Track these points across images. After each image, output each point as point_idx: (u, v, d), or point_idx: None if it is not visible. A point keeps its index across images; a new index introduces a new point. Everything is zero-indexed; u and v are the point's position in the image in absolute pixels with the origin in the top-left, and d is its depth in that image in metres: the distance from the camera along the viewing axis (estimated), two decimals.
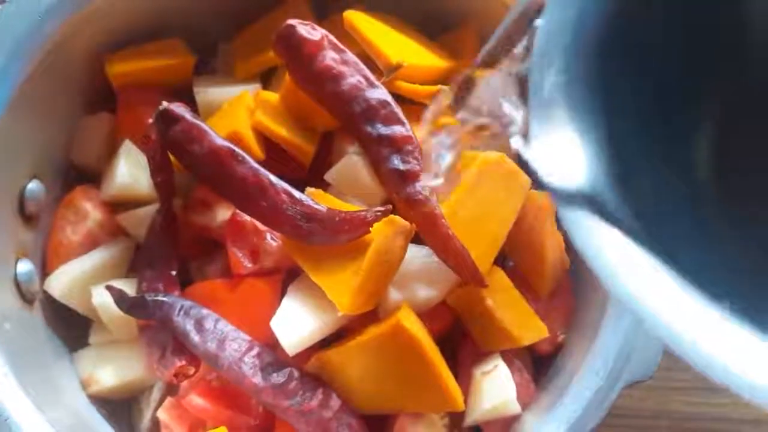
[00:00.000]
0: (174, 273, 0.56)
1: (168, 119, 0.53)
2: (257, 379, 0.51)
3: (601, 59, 0.28)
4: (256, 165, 0.52)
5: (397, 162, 0.51)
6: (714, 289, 0.24)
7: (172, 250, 0.56)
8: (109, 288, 0.54)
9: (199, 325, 0.52)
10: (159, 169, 0.55)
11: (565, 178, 0.27)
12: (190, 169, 0.55)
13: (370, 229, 0.50)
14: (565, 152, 0.28)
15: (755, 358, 0.22)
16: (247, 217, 0.54)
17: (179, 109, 0.54)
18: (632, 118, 0.29)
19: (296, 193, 0.52)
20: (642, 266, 0.25)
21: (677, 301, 0.24)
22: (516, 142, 0.31)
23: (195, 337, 0.52)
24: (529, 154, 0.29)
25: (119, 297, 0.54)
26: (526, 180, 0.55)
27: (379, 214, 0.50)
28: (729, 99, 0.31)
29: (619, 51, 0.29)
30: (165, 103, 0.53)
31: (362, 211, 0.51)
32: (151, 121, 0.53)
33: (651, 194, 0.29)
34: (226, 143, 0.53)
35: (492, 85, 0.34)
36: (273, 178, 0.52)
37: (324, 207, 0.51)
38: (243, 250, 0.54)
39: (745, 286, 0.26)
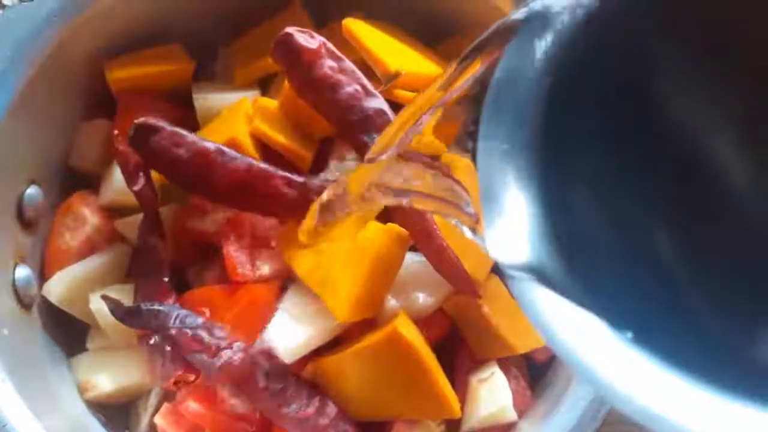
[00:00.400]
0: (166, 280, 0.56)
1: (147, 131, 0.52)
2: (253, 387, 0.51)
3: (549, 121, 0.28)
4: (245, 157, 0.52)
5: None
6: (653, 344, 0.25)
7: (163, 257, 0.56)
8: (105, 297, 0.54)
9: (194, 333, 0.52)
10: (134, 178, 0.54)
11: (510, 255, 0.28)
12: (177, 180, 0.54)
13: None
14: (510, 228, 0.28)
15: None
16: (248, 221, 0.55)
17: (155, 120, 0.53)
18: (585, 184, 0.29)
19: (292, 176, 0.52)
20: (577, 324, 0.26)
21: (611, 356, 0.25)
22: (461, 226, 0.32)
23: (190, 345, 0.52)
24: (475, 234, 0.29)
25: (115, 307, 0.54)
26: None
27: None
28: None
29: (571, 112, 0.29)
30: (141, 118, 0.53)
31: None
32: (130, 134, 0.53)
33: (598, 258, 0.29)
34: (212, 143, 0.53)
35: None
36: (266, 166, 0.52)
37: (322, 180, 0.51)
38: (241, 256, 0.55)
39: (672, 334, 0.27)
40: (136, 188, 0.53)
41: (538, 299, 0.27)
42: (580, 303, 0.26)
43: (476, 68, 0.31)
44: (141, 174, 0.53)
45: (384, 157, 0.36)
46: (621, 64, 0.29)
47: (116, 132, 0.52)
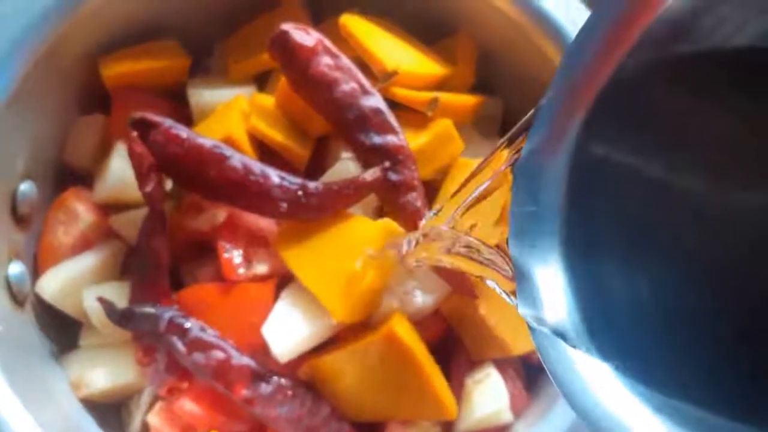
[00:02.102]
0: (166, 281, 0.55)
1: (145, 126, 0.53)
2: (245, 390, 0.51)
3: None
4: (241, 156, 0.52)
5: (389, 172, 0.52)
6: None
7: (163, 258, 0.56)
8: (100, 300, 0.54)
9: (184, 335, 0.52)
10: (146, 179, 0.54)
11: (547, 320, 0.31)
12: (172, 175, 0.55)
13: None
14: (537, 296, 0.31)
15: None
16: (243, 220, 0.54)
17: (153, 115, 0.53)
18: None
19: (287, 175, 0.52)
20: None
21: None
22: (498, 288, 0.36)
23: (182, 348, 0.52)
24: (516, 301, 0.32)
25: (110, 309, 0.54)
26: None
27: (377, 173, 0.50)
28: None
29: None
30: (138, 113, 0.53)
31: (358, 175, 0.51)
32: (128, 128, 0.53)
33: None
34: (208, 140, 0.53)
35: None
36: (262, 165, 0.52)
37: (318, 183, 0.51)
38: (236, 255, 0.54)
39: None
40: (147, 189, 0.53)
41: (556, 351, 0.30)
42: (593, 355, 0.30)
43: (521, 145, 0.33)
44: (153, 176, 0.53)
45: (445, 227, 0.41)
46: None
47: (135, 133, 0.52)
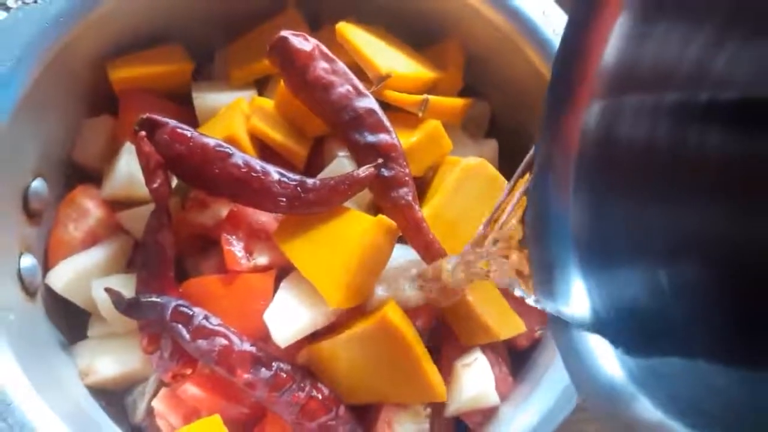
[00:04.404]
0: (171, 274, 0.58)
1: (151, 126, 0.55)
2: (246, 375, 0.53)
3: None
4: (243, 154, 0.55)
5: (382, 169, 0.54)
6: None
7: (169, 252, 0.58)
8: (108, 290, 0.56)
9: (189, 323, 0.54)
10: (153, 176, 0.56)
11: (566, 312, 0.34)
12: (178, 172, 0.57)
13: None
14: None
15: None
16: (245, 215, 0.57)
17: (160, 116, 0.56)
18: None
19: (286, 172, 0.54)
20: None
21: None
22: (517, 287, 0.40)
23: (186, 335, 0.54)
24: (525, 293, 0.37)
25: (117, 299, 0.56)
26: (504, 183, 0.58)
27: (371, 169, 0.53)
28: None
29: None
30: (145, 114, 0.55)
31: (353, 171, 0.54)
32: (135, 129, 0.55)
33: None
34: (212, 139, 0.55)
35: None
36: (262, 163, 0.55)
37: (316, 180, 0.54)
38: (238, 248, 0.57)
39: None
40: (154, 186, 0.55)
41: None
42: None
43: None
44: (160, 173, 0.55)
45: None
46: None
47: (143, 133, 0.54)
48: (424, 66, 0.63)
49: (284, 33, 0.56)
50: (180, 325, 0.54)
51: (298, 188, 0.54)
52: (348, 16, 0.63)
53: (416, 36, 0.66)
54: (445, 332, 0.59)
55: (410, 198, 0.54)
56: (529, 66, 0.62)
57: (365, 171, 0.54)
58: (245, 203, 0.56)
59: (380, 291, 0.55)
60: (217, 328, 0.54)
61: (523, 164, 0.41)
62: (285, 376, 0.54)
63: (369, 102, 0.56)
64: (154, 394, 0.59)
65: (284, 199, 0.54)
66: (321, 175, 0.58)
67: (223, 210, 0.58)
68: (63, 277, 0.60)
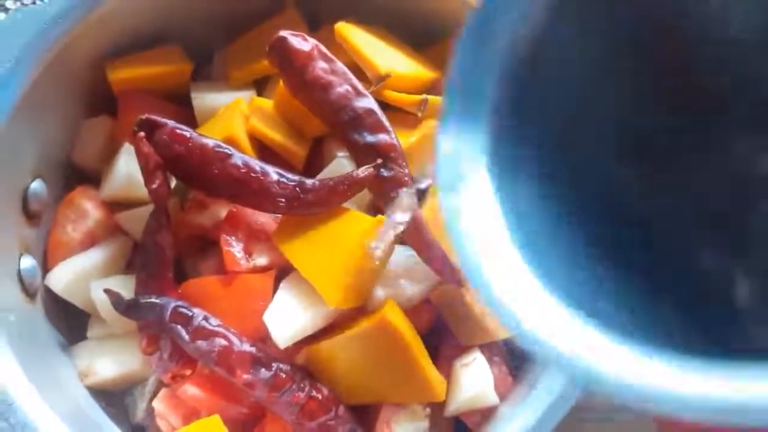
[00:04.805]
0: (170, 274, 0.58)
1: (151, 127, 0.55)
2: (246, 375, 0.53)
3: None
4: (242, 154, 0.55)
5: (382, 169, 0.54)
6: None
7: (168, 253, 0.58)
8: (107, 291, 0.56)
9: (188, 324, 0.54)
10: (152, 177, 0.56)
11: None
12: (177, 173, 0.57)
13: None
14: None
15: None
16: (244, 215, 0.57)
17: (159, 117, 0.56)
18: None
19: (285, 173, 0.55)
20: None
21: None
22: None
23: (186, 336, 0.54)
24: None
25: (116, 300, 0.56)
26: None
27: (370, 170, 0.53)
28: None
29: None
30: (144, 115, 0.55)
31: (352, 171, 0.54)
32: (134, 129, 0.55)
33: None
34: (211, 140, 0.55)
35: None
36: (261, 163, 0.55)
37: (315, 180, 0.54)
38: (238, 248, 0.57)
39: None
40: (153, 187, 0.55)
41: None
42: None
43: None
44: (159, 174, 0.55)
45: None
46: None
47: (142, 134, 0.54)
48: (424, 66, 0.63)
49: (283, 33, 0.57)
50: (179, 326, 0.54)
51: (297, 189, 0.54)
52: (347, 16, 0.63)
53: (416, 36, 0.66)
54: (444, 332, 0.59)
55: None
56: None
57: (364, 171, 0.54)
58: (244, 204, 0.56)
59: (380, 291, 0.55)
60: (216, 328, 0.54)
61: None
62: (284, 376, 0.54)
63: (368, 102, 0.56)
64: (154, 395, 0.59)
65: (283, 200, 0.54)
66: (320, 176, 0.58)
67: (222, 211, 0.59)
68: (62, 278, 0.60)
